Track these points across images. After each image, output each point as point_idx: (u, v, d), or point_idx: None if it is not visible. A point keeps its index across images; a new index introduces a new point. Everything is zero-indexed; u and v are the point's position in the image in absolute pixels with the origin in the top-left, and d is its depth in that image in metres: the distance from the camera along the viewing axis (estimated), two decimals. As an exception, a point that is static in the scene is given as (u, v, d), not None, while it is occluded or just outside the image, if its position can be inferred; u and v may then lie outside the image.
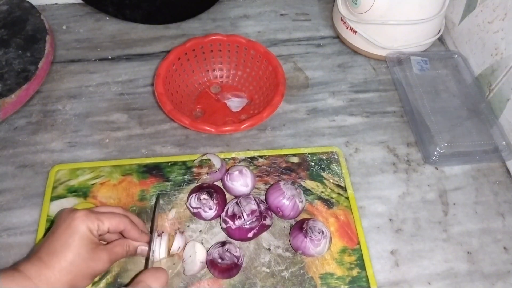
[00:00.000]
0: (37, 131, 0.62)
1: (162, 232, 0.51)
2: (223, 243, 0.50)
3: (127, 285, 0.48)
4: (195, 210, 0.52)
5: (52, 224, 0.44)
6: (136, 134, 0.62)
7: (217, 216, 0.52)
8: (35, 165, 0.58)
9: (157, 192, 0.55)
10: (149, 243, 0.48)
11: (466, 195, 0.59)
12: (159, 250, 0.49)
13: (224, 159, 0.59)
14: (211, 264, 0.49)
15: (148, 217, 0.53)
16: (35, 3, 0.72)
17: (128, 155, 0.60)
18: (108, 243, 0.46)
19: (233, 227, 0.50)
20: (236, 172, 0.54)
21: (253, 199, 0.52)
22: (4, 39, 0.66)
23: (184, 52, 0.63)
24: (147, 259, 0.48)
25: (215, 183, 0.56)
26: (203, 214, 0.52)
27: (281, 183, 0.54)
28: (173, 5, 0.74)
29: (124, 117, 0.64)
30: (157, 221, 0.52)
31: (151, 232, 0.50)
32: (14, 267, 0.39)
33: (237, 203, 0.52)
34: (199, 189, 0.53)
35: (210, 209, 0.52)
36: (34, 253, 0.41)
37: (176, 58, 0.62)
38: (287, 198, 0.52)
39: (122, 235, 0.47)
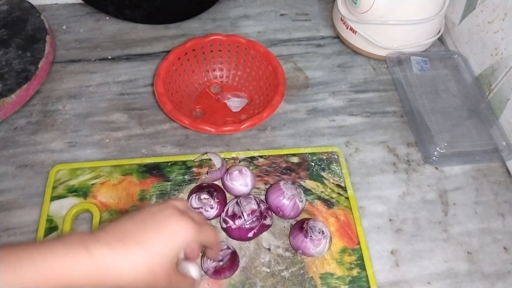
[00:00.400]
0: (37, 131, 0.62)
1: None
2: None
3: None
4: (197, 211, 0.52)
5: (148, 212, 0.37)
6: (136, 134, 0.62)
7: (219, 215, 0.53)
8: (35, 165, 0.58)
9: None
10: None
11: (466, 195, 0.59)
12: None
13: (224, 159, 0.59)
14: (214, 274, 0.48)
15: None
16: (35, 3, 0.72)
17: (128, 155, 0.60)
18: None
19: (233, 227, 0.50)
20: (236, 172, 0.54)
21: (253, 199, 0.52)
22: (4, 39, 0.66)
23: (184, 52, 0.63)
24: None
25: (214, 182, 0.56)
26: (205, 213, 0.52)
27: (281, 183, 0.54)
28: (173, 5, 0.74)
29: (124, 117, 0.64)
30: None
31: None
32: (86, 247, 0.33)
33: (237, 202, 0.52)
34: (199, 189, 0.53)
35: (212, 208, 0.52)
36: (122, 234, 0.35)
37: (176, 58, 0.62)
38: (287, 198, 0.52)
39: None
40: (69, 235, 0.34)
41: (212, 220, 0.54)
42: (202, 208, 0.52)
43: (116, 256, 0.33)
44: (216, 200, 0.52)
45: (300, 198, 0.53)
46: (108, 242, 0.34)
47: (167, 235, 0.36)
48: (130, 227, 0.36)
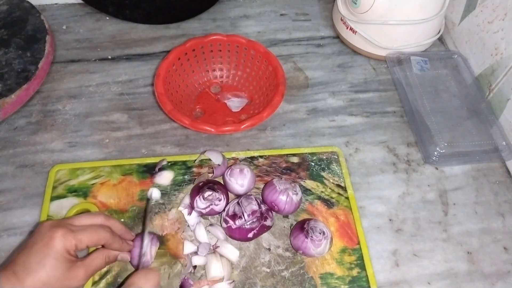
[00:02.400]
0: (37, 131, 0.62)
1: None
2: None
3: (119, 287, 0.48)
4: (207, 209, 0.52)
5: (32, 235, 0.43)
6: (136, 134, 0.62)
7: (228, 203, 0.53)
8: (35, 165, 0.58)
9: (146, 193, 0.55)
10: (141, 245, 0.48)
11: (466, 195, 0.59)
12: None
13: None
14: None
15: (152, 224, 0.53)
16: (35, 3, 0.72)
17: (128, 155, 0.60)
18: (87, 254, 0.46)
19: (233, 227, 0.50)
20: (237, 170, 0.54)
21: (254, 199, 0.52)
22: (4, 39, 0.66)
23: (184, 52, 0.63)
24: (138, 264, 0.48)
25: (209, 177, 0.56)
26: (216, 208, 0.52)
27: (275, 179, 0.54)
28: (173, 5, 0.74)
29: (124, 117, 0.64)
30: (149, 221, 0.52)
31: (142, 232, 0.50)
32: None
33: (238, 203, 0.52)
34: (199, 190, 0.53)
35: (220, 200, 0.52)
36: (8, 264, 0.40)
37: (176, 58, 0.62)
38: (279, 192, 0.52)
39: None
40: None
41: (211, 218, 0.54)
42: (211, 204, 0.51)
43: (12, 286, 0.39)
44: (220, 192, 0.52)
45: (295, 191, 0.53)
46: (5, 274, 0.39)
47: (42, 246, 0.41)
48: (17, 253, 0.41)
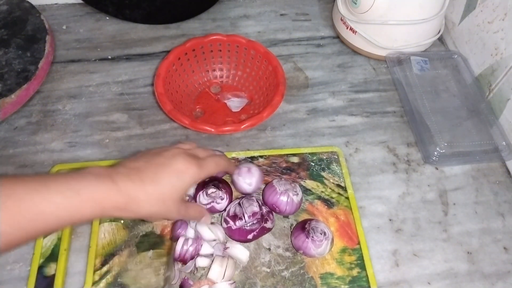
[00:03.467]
0: (37, 131, 0.62)
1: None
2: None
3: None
4: (208, 206, 0.52)
5: (164, 154, 0.44)
6: (136, 134, 0.62)
7: (230, 203, 0.53)
8: (35, 165, 0.58)
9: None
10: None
11: (466, 195, 0.59)
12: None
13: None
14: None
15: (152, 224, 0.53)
16: (35, 3, 0.72)
17: (128, 155, 0.60)
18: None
19: (234, 227, 0.50)
20: (245, 169, 0.54)
21: (255, 201, 0.52)
22: (4, 39, 0.66)
23: (184, 52, 0.63)
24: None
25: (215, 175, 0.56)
26: (217, 206, 0.52)
27: (274, 181, 0.54)
28: (173, 5, 0.74)
29: (124, 117, 0.64)
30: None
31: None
32: (113, 179, 0.39)
33: (239, 203, 0.52)
34: (204, 185, 0.52)
35: (222, 199, 0.52)
36: (133, 170, 0.41)
37: (176, 58, 0.62)
38: (279, 193, 0.52)
39: None
40: (93, 169, 0.39)
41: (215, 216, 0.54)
42: (213, 202, 0.51)
43: (136, 188, 0.39)
44: (224, 191, 0.52)
45: (295, 191, 0.53)
46: (129, 176, 0.40)
47: (175, 172, 0.42)
48: (143, 164, 0.42)
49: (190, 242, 0.48)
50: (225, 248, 0.50)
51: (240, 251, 0.50)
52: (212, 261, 0.49)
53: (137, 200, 0.39)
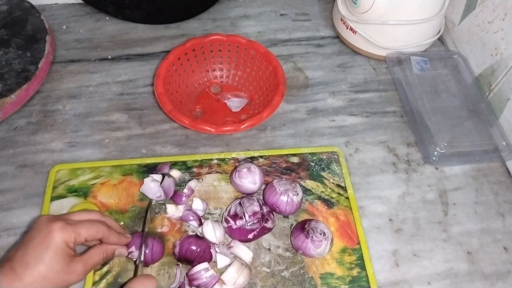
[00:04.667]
0: (37, 131, 0.62)
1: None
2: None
3: None
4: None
5: (29, 230, 0.42)
6: (136, 134, 0.62)
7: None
8: (35, 165, 0.58)
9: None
10: (140, 246, 0.48)
11: (466, 195, 0.59)
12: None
13: (223, 159, 0.59)
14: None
15: (153, 224, 0.53)
16: (35, 3, 0.72)
17: (128, 155, 0.60)
18: (84, 250, 0.46)
19: (234, 227, 0.50)
20: (245, 170, 0.54)
21: (256, 200, 0.52)
22: (4, 39, 0.66)
23: (184, 52, 0.63)
24: (136, 266, 0.48)
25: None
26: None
27: (275, 181, 0.54)
28: (173, 5, 0.74)
29: (124, 117, 0.64)
30: (149, 223, 0.52)
31: (142, 231, 0.50)
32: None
33: (240, 203, 0.52)
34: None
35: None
36: (6, 260, 0.40)
37: (176, 58, 0.62)
38: (280, 194, 0.52)
39: (100, 240, 0.46)
40: None
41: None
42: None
43: (10, 282, 0.38)
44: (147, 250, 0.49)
45: (295, 191, 0.53)
46: (1, 271, 0.39)
47: (39, 240, 0.40)
48: (13, 252, 0.41)
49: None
50: (229, 248, 0.50)
51: (244, 252, 0.50)
52: (230, 264, 0.49)
53: None
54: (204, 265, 0.47)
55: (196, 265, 0.47)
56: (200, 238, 0.50)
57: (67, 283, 0.42)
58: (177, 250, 0.49)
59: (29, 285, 0.39)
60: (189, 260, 0.49)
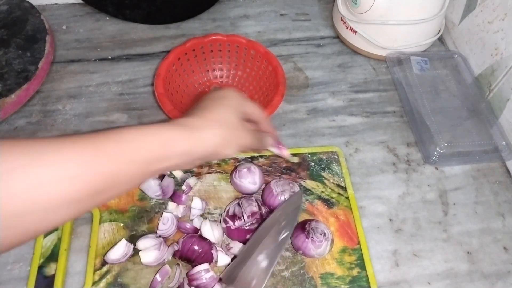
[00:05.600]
0: (37, 131, 0.62)
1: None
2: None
3: None
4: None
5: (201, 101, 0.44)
6: (136, 134, 0.62)
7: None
8: (35, 165, 0.58)
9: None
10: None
11: (466, 195, 0.59)
12: None
13: (224, 159, 0.59)
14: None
15: (148, 216, 0.53)
16: (35, 3, 0.72)
17: (128, 155, 0.60)
18: None
19: (233, 227, 0.50)
20: (245, 170, 0.54)
21: (254, 201, 0.52)
22: (4, 39, 0.66)
23: (184, 52, 0.63)
24: None
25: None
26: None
27: (273, 181, 0.54)
28: (173, 5, 0.74)
29: (124, 117, 0.64)
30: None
31: None
32: (175, 122, 0.39)
33: (238, 203, 0.52)
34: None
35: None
36: (200, 109, 0.41)
37: (176, 58, 0.62)
38: (277, 194, 0.52)
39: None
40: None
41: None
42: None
43: (196, 119, 0.40)
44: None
45: (293, 192, 0.53)
46: (194, 116, 0.41)
47: (219, 100, 0.43)
48: (205, 105, 0.43)
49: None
50: (229, 248, 0.50)
51: None
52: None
53: (203, 138, 0.39)
54: (205, 266, 0.47)
55: (196, 265, 0.47)
56: (203, 238, 0.50)
57: (239, 140, 0.42)
58: (179, 248, 0.49)
59: (211, 121, 0.40)
60: (189, 260, 0.49)
